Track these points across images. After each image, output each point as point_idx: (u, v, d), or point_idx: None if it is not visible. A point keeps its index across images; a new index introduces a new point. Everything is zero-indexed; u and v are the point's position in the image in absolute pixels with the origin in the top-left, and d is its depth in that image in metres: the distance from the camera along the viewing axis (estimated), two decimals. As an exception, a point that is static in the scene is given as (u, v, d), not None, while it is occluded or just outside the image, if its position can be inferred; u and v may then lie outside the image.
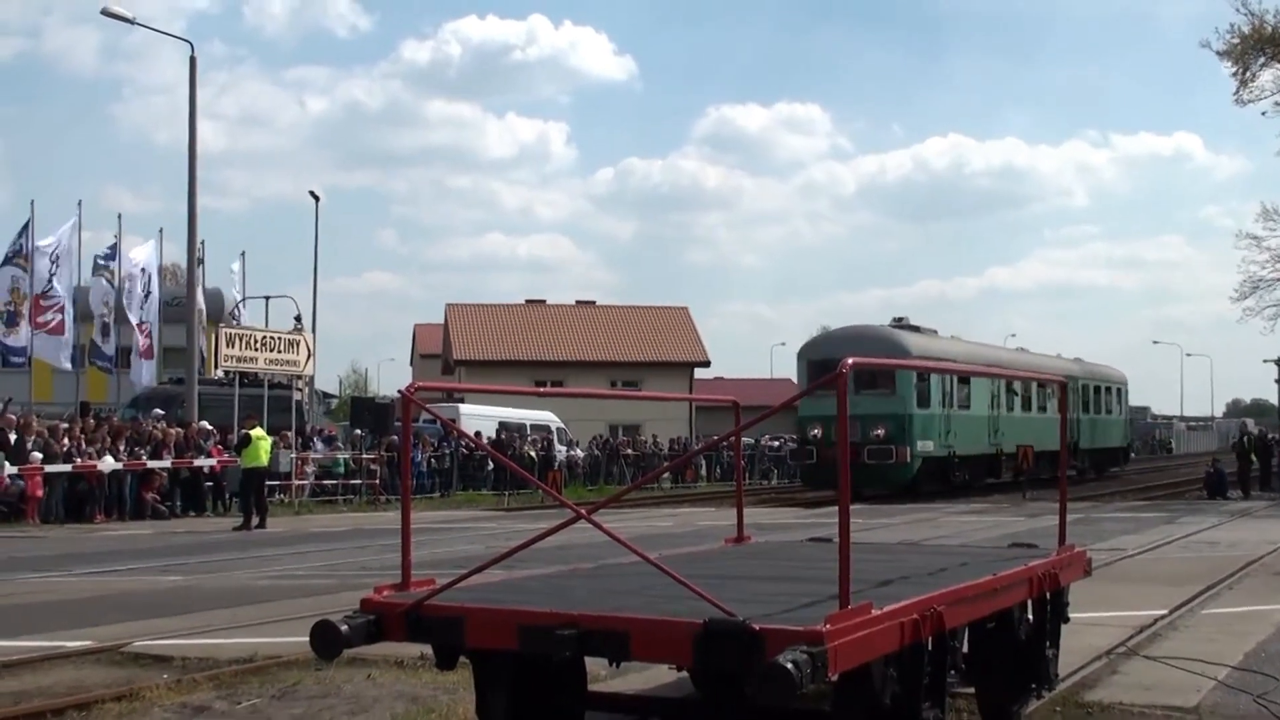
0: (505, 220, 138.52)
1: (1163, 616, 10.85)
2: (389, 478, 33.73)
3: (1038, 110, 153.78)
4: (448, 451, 37.78)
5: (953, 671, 6.06)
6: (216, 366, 32.07)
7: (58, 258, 31.40)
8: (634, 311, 70.13)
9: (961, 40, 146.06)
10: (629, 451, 47.70)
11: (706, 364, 67.42)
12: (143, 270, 33.96)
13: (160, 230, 36.28)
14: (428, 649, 5.85)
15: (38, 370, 32.57)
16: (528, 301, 72.17)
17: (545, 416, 44.87)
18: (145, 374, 33.89)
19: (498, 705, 5.74)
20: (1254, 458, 37.59)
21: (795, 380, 37.71)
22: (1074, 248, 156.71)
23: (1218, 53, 37.08)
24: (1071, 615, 7.54)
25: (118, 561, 17.36)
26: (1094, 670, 8.49)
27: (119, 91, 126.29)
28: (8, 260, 30.98)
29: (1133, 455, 61.63)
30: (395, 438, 34.25)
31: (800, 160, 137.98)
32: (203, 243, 33.54)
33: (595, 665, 6.39)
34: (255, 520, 24.34)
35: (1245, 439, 39.46)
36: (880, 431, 33.10)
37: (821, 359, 34.15)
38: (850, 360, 5.18)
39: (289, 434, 30.79)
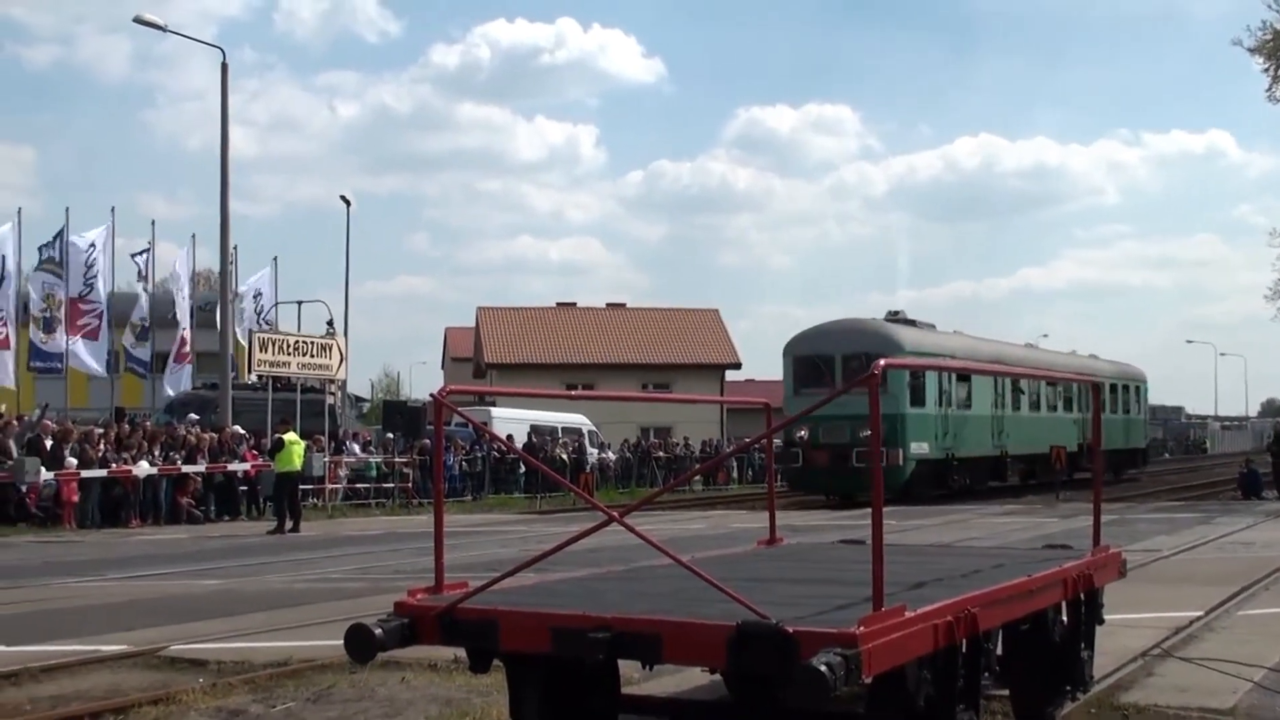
0: (536, 223, 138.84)
1: (1198, 618, 10.77)
2: (421, 481, 33.84)
3: (1068, 109, 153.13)
4: (479, 455, 37.86)
5: (987, 674, 6.03)
6: (250, 371, 32.23)
7: (93, 263, 31.65)
8: (665, 314, 70.12)
9: (991, 39, 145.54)
10: (660, 454, 47.70)
11: (738, 366, 67.34)
12: (176, 276, 34.19)
13: (193, 236, 36.55)
14: (461, 652, 5.87)
15: (73, 376, 32.81)
16: (558, 304, 72.27)
17: (576, 419, 44.92)
18: (179, 379, 34.10)
19: (531, 708, 5.75)
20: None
21: (781, 378, 35.53)
22: (1106, 247, 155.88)
23: (1249, 49, 36.85)
24: (1106, 617, 7.50)
25: (153, 566, 17.46)
26: (1129, 672, 8.44)
27: (151, 98, 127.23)
28: (39, 266, 31.22)
29: (1167, 455, 60.79)
30: (427, 441, 34.35)
31: (830, 161, 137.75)
32: (235, 248, 33.75)
33: (628, 668, 6.39)
34: (289, 524, 24.46)
35: (1279, 439, 39.10)
36: (869, 433, 32.08)
37: (808, 355, 33.15)
38: (883, 361, 5.15)
39: (322, 438, 30.91)
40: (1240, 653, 8.93)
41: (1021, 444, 37.92)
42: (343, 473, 32.71)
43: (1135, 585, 10.50)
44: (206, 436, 28.27)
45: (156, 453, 26.59)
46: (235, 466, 28.29)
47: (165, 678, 8.92)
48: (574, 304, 72.47)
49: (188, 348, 34.10)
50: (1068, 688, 7.02)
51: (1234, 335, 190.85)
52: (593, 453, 43.80)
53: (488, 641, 5.27)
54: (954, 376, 34.16)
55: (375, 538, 22.80)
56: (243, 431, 29.77)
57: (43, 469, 24.20)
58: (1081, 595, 6.81)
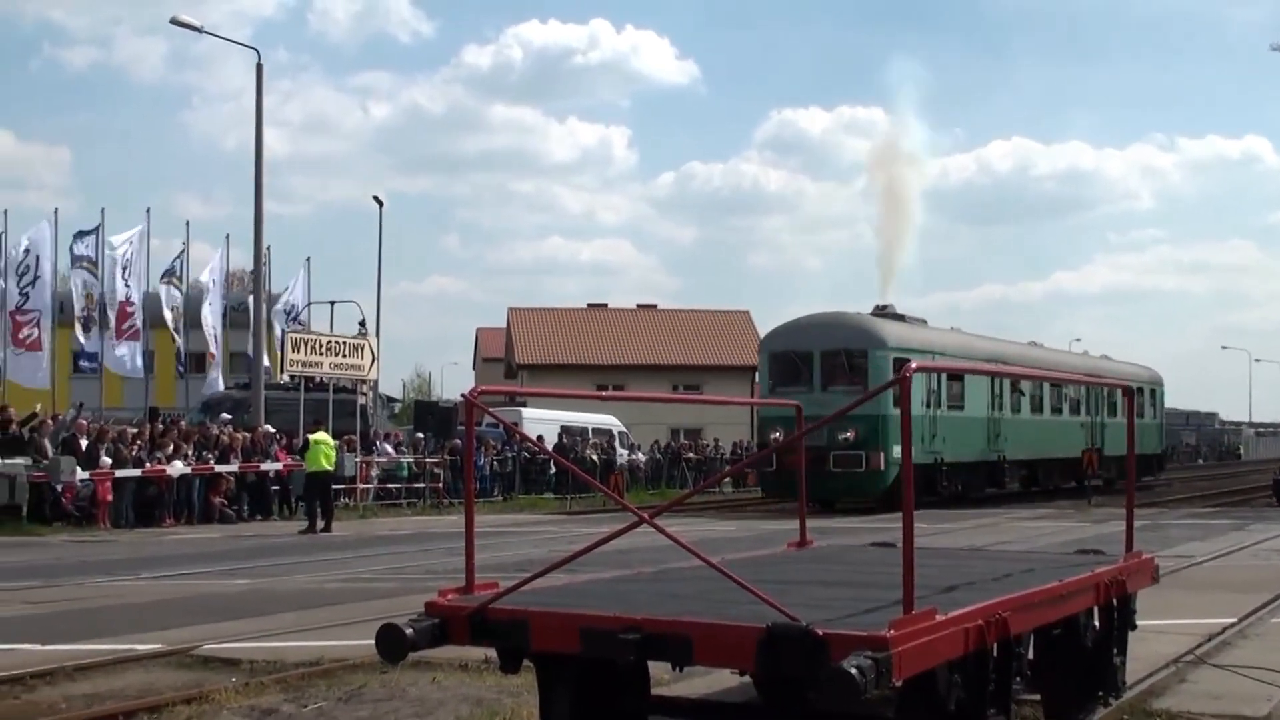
0: (567, 224, 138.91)
1: (1232, 625, 10.70)
2: (452, 481, 33.92)
3: (1103, 113, 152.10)
4: (510, 455, 37.92)
5: (1018, 678, 6.02)
6: (282, 371, 32.39)
7: (129, 263, 31.88)
8: (696, 315, 70.10)
9: (1025, 42, 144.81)
10: (690, 455, 47.67)
11: (769, 368, 67.15)
12: (210, 276, 34.42)
13: (227, 237, 36.72)
14: (492, 652, 5.88)
15: (108, 376, 33.06)
16: (589, 305, 72.34)
17: (607, 420, 44.93)
18: (213, 379, 34.32)
19: (561, 708, 5.76)
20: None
21: (758, 376, 34.30)
22: (1140, 252, 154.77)
23: (1287, 55, 36.70)
24: (1139, 623, 7.47)
25: (186, 565, 17.56)
26: (1162, 678, 8.40)
27: (187, 99, 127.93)
28: (75, 264, 31.46)
29: (1201, 460, 59.51)
30: (458, 441, 34.43)
31: (863, 163, 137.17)
32: (269, 249, 33.92)
33: (658, 669, 6.40)
34: (321, 524, 24.56)
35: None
36: (849, 434, 28.77)
37: (785, 350, 31.29)
38: (914, 364, 5.13)
39: (353, 438, 31.03)
40: (1274, 660, 8.87)
41: (1021, 449, 35.91)
42: (374, 473, 32.82)
43: (1168, 591, 10.45)
44: (239, 436, 28.41)
45: (190, 452, 26.75)
46: (267, 466, 28.42)
47: (198, 677, 8.98)
48: (605, 305, 72.52)
49: (219, 347, 34.27)
50: (1100, 693, 6.99)
51: (1269, 341, 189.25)
52: (623, 454, 43.80)
53: (518, 642, 5.29)
54: (944, 375, 32.15)
55: (406, 538, 22.88)
56: (275, 431, 29.92)
57: (78, 468, 24.38)
58: (1114, 601, 6.78)
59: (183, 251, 35.13)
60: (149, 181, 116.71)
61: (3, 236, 29.66)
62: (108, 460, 25.03)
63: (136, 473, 25.53)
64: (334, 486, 26.79)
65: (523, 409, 39.49)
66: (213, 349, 34.29)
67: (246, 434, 28.81)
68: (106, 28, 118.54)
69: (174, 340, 33.92)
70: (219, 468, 27.14)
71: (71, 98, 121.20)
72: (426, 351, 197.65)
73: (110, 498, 24.95)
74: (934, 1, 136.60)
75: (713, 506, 34.42)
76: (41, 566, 17.28)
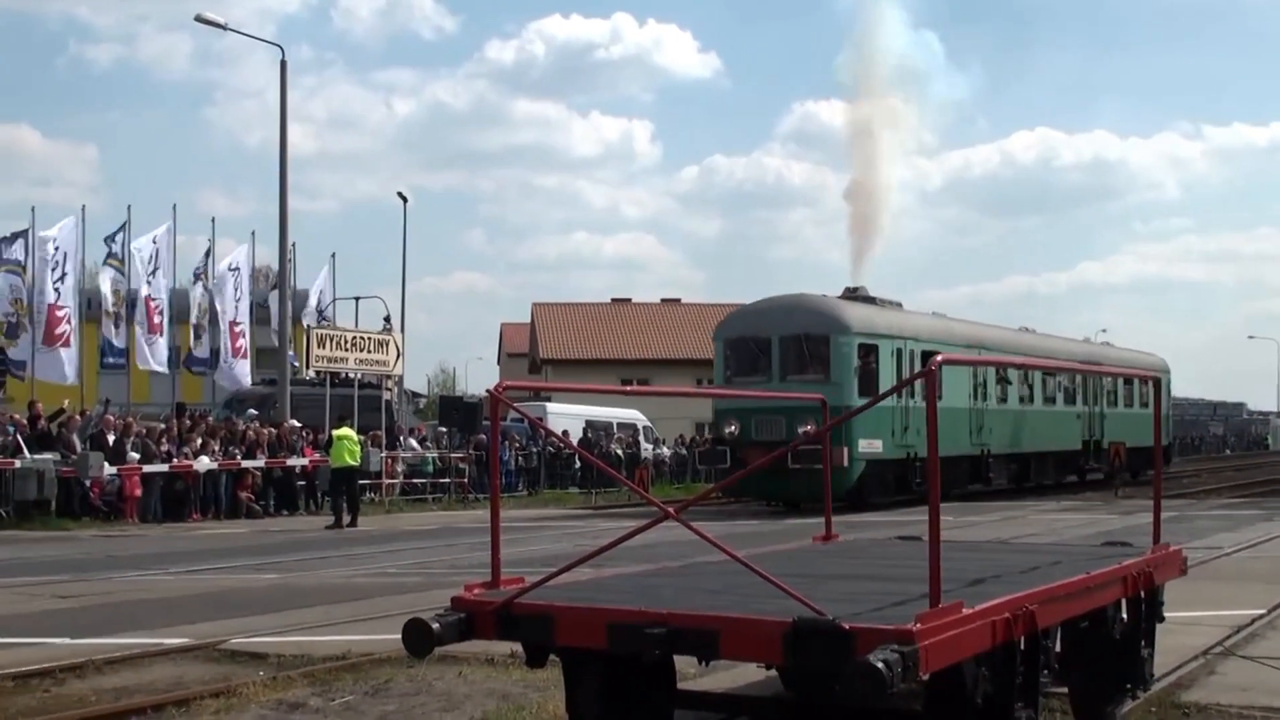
0: (591, 219, 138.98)
1: (1260, 616, 10.65)
2: (477, 476, 34.00)
3: (1128, 102, 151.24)
4: (535, 450, 37.99)
5: (1046, 671, 6.00)
6: (308, 367, 32.51)
7: (155, 260, 32.04)
8: (720, 309, 69.66)
9: (1049, 30, 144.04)
10: (716, 450, 47.55)
11: (794, 361, 67.02)
12: (235, 272, 34.56)
13: (253, 233, 36.93)
14: (518, 647, 5.90)
15: (136, 371, 33.23)
16: (614, 300, 72.38)
17: (632, 415, 44.93)
18: (239, 375, 34.46)
19: (587, 703, 5.77)
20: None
21: (713, 365, 30.55)
22: (1166, 241, 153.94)
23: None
24: (1167, 615, 7.43)
25: (214, 560, 17.66)
26: (1190, 670, 8.36)
27: (211, 96, 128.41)
28: (106, 261, 31.69)
29: (1229, 450, 57.97)
30: (483, 436, 34.48)
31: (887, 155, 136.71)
32: (294, 245, 34.04)
33: (684, 663, 6.40)
34: (347, 519, 24.65)
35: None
36: (809, 427, 25.20)
37: (741, 337, 28.46)
38: (940, 357, 5.11)
39: (378, 433, 31.13)
40: (1304, 652, 8.82)
41: (1009, 442, 33.05)
42: (399, 468, 32.92)
43: (1196, 583, 10.39)
44: (265, 432, 28.53)
45: (216, 448, 26.88)
46: (294, 462, 28.54)
47: (226, 670, 9.03)
48: (629, 300, 72.53)
49: (245, 343, 34.41)
50: (1128, 686, 6.96)
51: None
52: (647, 448, 43.82)
53: (544, 637, 5.30)
54: (919, 361, 28.62)
55: (431, 533, 22.94)
56: (301, 426, 30.03)
57: (106, 464, 24.53)
58: (1142, 593, 6.75)
59: (209, 248, 35.29)
60: (175, 178, 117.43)
61: (31, 233, 29.80)
62: (135, 455, 25.17)
63: (164, 468, 25.67)
64: (359, 482, 26.88)
65: (547, 404, 39.53)
66: (238, 345, 34.41)
67: (273, 429, 28.93)
68: (131, 25, 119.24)
69: (194, 336, 34.05)
70: (245, 463, 27.27)
71: (97, 95, 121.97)
72: (451, 347, 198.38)
73: (138, 493, 25.09)
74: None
75: (739, 501, 34.39)
76: (70, 561, 17.38)
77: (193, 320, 33.80)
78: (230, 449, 27.25)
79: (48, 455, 24.16)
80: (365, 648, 9.46)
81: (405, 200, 40.81)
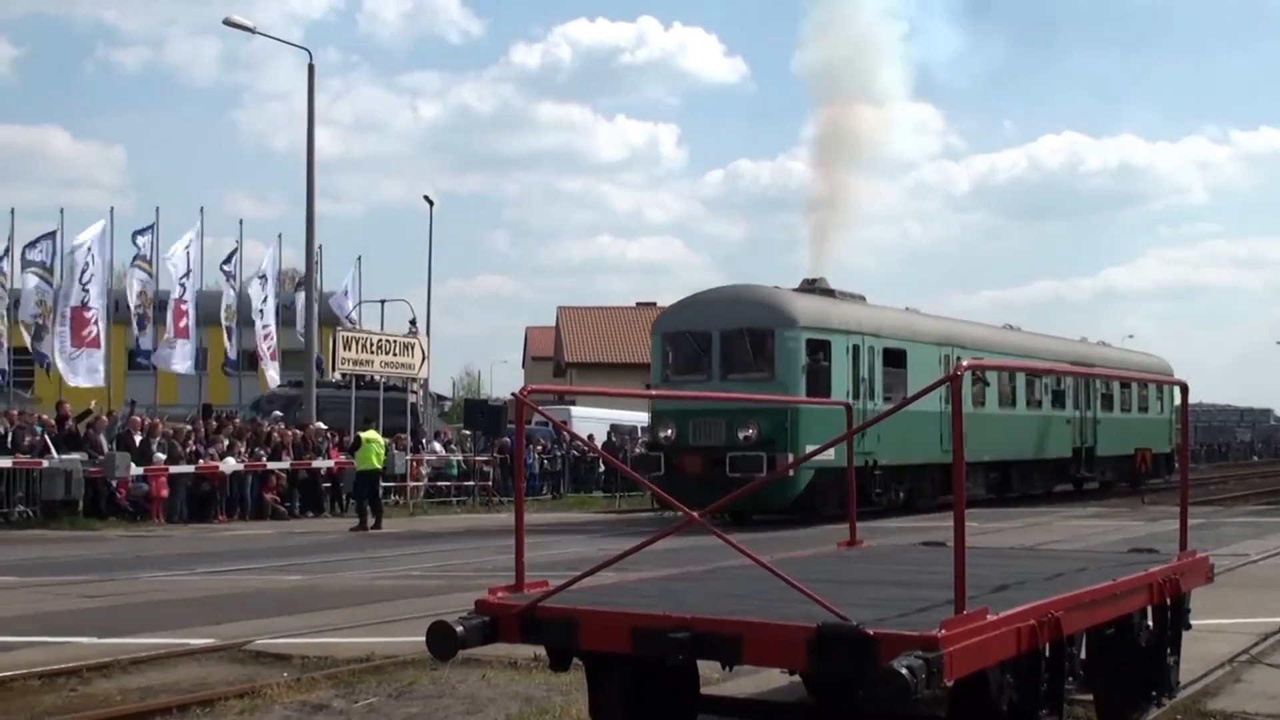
0: (616, 222, 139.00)
1: (1289, 624, 10.58)
2: (501, 479, 34.05)
3: (1156, 106, 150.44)
4: (559, 453, 38.02)
5: (1071, 678, 5.97)
6: (333, 369, 32.63)
7: (184, 262, 32.22)
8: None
9: (1076, 34, 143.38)
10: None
11: (817, 366, 66.91)
12: (262, 275, 34.72)
13: (279, 235, 37.01)
14: (541, 650, 5.90)
15: (163, 373, 33.42)
16: (639, 304, 72.31)
17: (656, 418, 44.86)
18: (271, 377, 34.61)
19: (611, 706, 5.77)
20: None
21: (650, 362, 27.84)
22: (1192, 246, 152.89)
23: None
24: (1193, 622, 7.40)
25: (239, 561, 17.73)
26: (1216, 678, 8.32)
27: (239, 99, 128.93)
28: (134, 262, 31.90)
29: (1256, 458, 55.97)
30: (508, 440, 34.54)
31: (911, 160, 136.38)
32: (320, 247, 34.15)
33: (708, 668, 6.40)
34: (371, 521, 24.72)
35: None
36: (750, 432, 23.51)
37: (680, 331, 25.74)
38: (966, 363, 5.09)
39: (404, 436, 31.20)
40: (1332, 660, 8.77)
41: (987, 448, 29.23)
42: (424, 470, 32.99)
43: (1223, 590, 10.34)
44: (291, 434, 28.65)
45: (242, 449, 27.00)
46: (319, 464, 28.64)
47: (250, 671, 9.06)
48: (654, 303, 72.28)
49: (272, 345, 34.54)
50: (1153, 693, 6.93)
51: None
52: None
53: (568, 640, 5.31)
54: (879, 359, 26.50)
55: (456, 535, 22.98)
56: (326, 429, 30.14)
57: (132, 464, 24.67)
58: (1168, 600, 6.73)
59: (235, 250, 35.46)
60: (202, 180, 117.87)
61: (59, 235, 30.02)
62: (162, 456, 25.31)
63: (190, 469, 25.80)
64: (384, 484, 26.96)
65: (572, 407, 39.53)
66: (265, 347, 34.57)
67: (298, 431, 29.04)
68: (160, 28, 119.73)
69: (227, 338, 34.23)
70: (271, 465, 27.38)
71: (125, 97, 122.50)
72: (476, 350, 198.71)
73: (165, 493, 25.22)
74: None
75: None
76: (97, 561, 17.48)
77: (221, 322, 33.96)
78: (256, 450, 27.36)
79: (75, 455, 24.32)
80: (389, 650, 9.49)
81: (431, 203, 40.86)
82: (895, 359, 27.05)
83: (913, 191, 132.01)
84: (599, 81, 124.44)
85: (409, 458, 31.12)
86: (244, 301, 34.21)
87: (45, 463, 23.83)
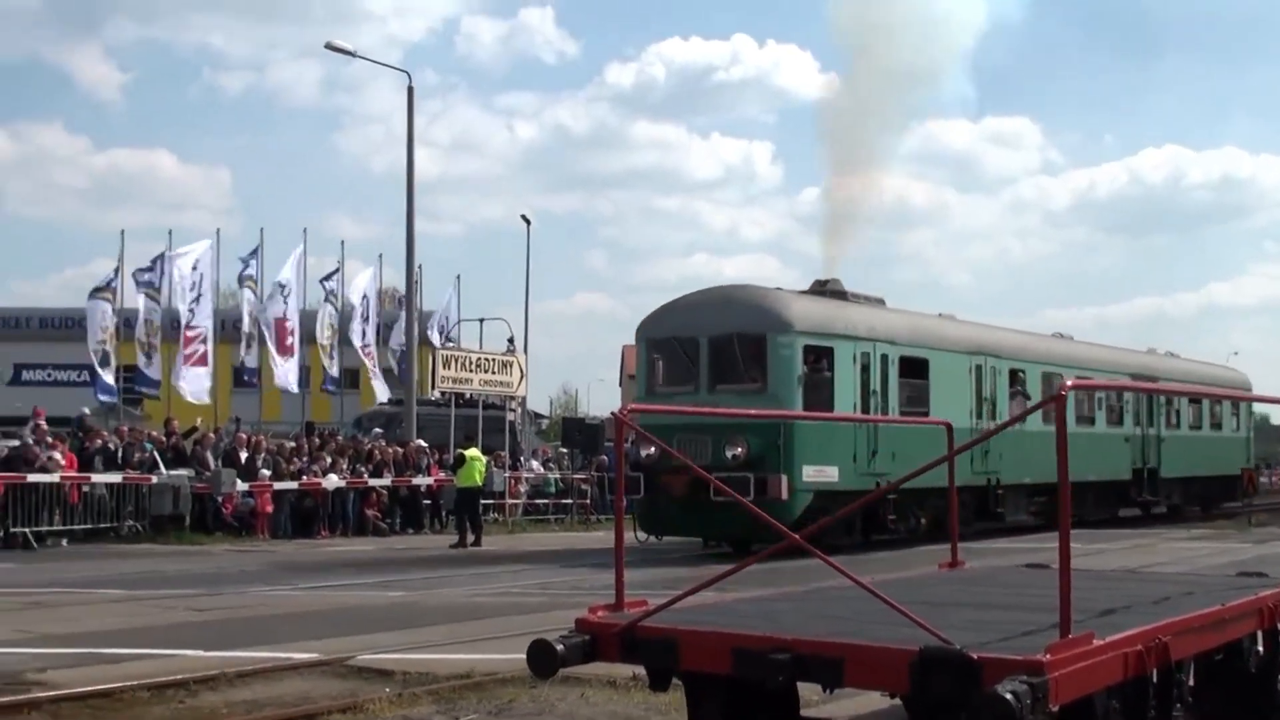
0: (711, 240, 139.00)
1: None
2: (599, 497, 34.13)
3: (1260, 117, 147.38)
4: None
5: (1179, 705, 5.87)
6: (433, 388, 32.95)
7: (287, 282, 32.79)
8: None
9: (1178, 45, 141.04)
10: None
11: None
12: (363, 295, 35.23)
13: (379, 256, 37.52)
14: (640, 669, 5.92)
15: (267, 390, 34.01)
16: (735, 322, 72.13)
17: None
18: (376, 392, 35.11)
19: (710, 727, 5.76)
20: None
21: (634, 368, 25.56)
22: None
23: None
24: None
25: (341, 576, 17.95)
26: (1331, 707, 8.10)
27: (338, 121, 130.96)
28: (242, 283, 32.55)
29: None
30: (605, 458, 34.62)
31: (1010, 175, 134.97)
32: (420, 267, 34.55)
33: (807, 690, 6.37)
34: (471, 538, 24.90)
35: None
36: (738, 450, 20.71)
37: (667, 337, 22.87)
38: (1070, 382, 5.03)
39: (502, 454, 31.42)
40: None
41: (1027, 469, 25.33)
42: (522, 488, 33.19)
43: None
44: (391, 451, 28.98)
45: (344, 466, 27.36)
46: (419, 481, 28.93)
47: (353, 686, 9.18)
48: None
49: (373, 363, 34.97)
50: (1264, 722, 6.77)
51: None
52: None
53: (668, 660, 5.32)
54: (895, 368, 23.42)
55: (554, 553, 23.06)
56: (426, 446, 30.45)
57: (238, 480, 25.12)
58: (1278, 625, 6.58)
59: (337, 269, 35.99)
60: (304, 201, 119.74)
61: (167, 256, 30.68)
62: (266, 473, 25.73)
63: (294, 485, 26.19)
64: (483, 501, 27.15)
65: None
66: (367, 365, 35.05)
67: (399, 449, 29.37)
68: (263, 53, 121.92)
69: (325, 356, 34.73)
70: (372, 481, 27.70)
71: (230, 120, 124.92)
72: (573, 368, 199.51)
73: (269, 509, 25.63)
74: (1083, 6, 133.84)
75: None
76: (204, 575, 17.80)
77: (320, 341, 34.48)
78: (357, 467, 27.72)
79: (183, 472, 24.80)
80: (489, 667, 9.55)
81: (529, 223, 41.20)
82: (915, 369, 24.08)
83: (1011, 208, 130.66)
84: (693, 100, 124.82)
85: (507, 475, 31.32)
86: (345, 320, 34.70)
87: (154, 479, 24.32)
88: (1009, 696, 4.11)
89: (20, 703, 8.39)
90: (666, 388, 22.68)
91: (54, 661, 9.93)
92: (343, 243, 51.48)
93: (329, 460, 27.14)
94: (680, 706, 6.29)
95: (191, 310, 30.18)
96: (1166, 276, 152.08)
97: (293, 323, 32.71)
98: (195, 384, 30.18)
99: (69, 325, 50.22)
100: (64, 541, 22.79)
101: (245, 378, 33.08)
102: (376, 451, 28.62)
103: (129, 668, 9.66)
